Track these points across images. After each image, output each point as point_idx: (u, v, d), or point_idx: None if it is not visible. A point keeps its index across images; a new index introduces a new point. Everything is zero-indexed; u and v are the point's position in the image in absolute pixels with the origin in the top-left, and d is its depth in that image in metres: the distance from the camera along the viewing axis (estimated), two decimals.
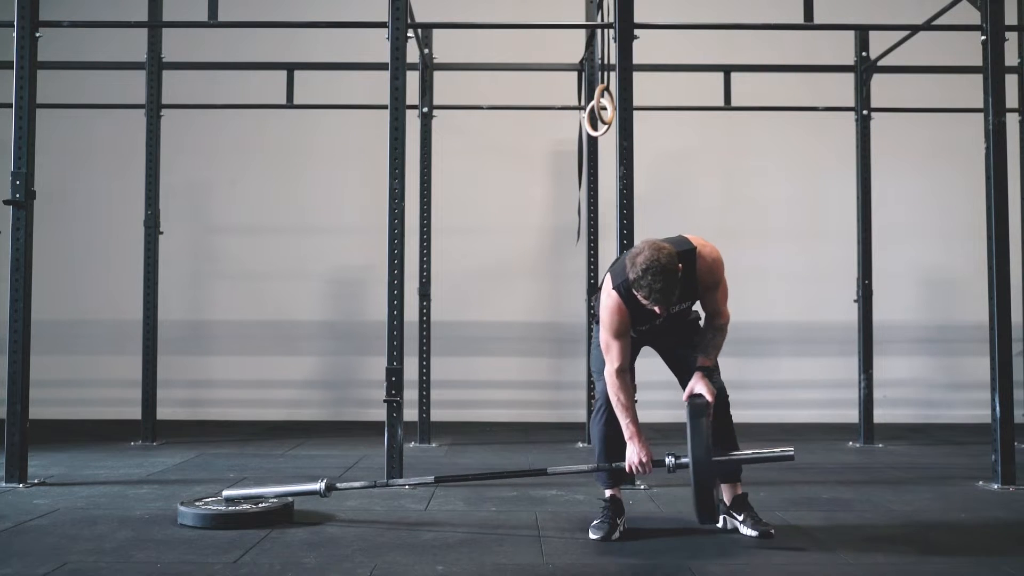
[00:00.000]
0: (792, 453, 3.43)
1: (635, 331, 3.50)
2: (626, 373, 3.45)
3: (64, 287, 7.76)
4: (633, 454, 3.40)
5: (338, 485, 3.80)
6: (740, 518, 3.52)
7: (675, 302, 3.36)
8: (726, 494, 3.57)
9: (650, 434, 6.28)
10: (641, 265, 3.22)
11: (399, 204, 4.51)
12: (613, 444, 3.52)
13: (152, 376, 6.13)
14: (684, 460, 3.32)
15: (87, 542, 3.31)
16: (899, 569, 3.04)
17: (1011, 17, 5.46)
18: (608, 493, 3.58)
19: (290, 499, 3.76)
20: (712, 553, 3.22)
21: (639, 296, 3.27)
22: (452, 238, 7.55)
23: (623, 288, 3.36)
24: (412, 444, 5.96)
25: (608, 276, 3.49)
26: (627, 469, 3.44)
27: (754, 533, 3.45)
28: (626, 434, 3.42)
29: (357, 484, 3.89)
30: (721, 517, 3.56)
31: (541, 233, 7.95)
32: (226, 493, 3.74)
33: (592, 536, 3.43)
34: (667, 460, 3.40)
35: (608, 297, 3.42)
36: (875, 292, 6.32)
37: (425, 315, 6.19)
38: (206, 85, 7.56)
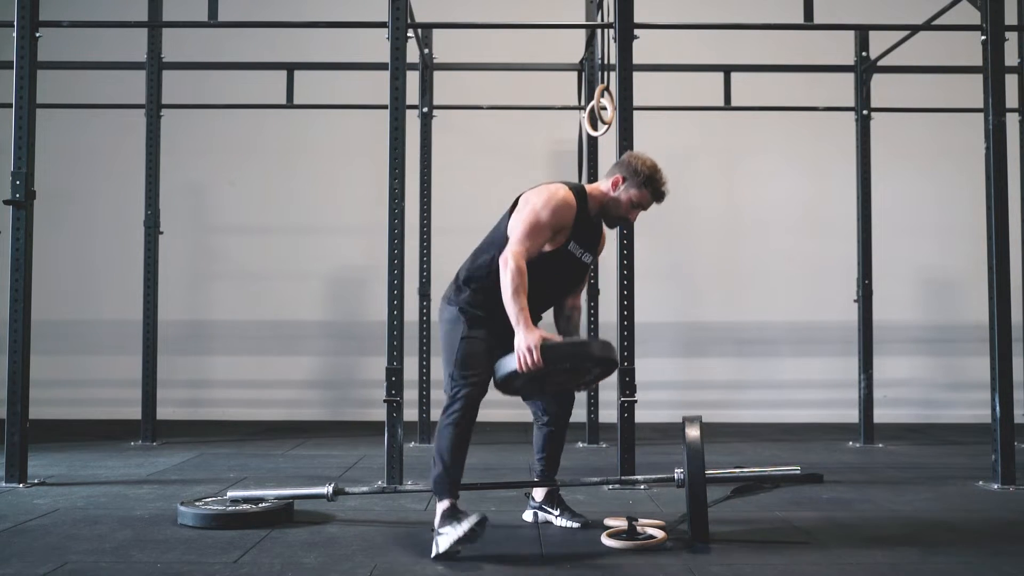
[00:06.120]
0: (799, 471, 3.53)
1: (579, 247, 3.35)
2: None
3: (64, 287, 7.76)
4: (521, 341, 3.06)
5: (347, 489, 3.80)
6: (556, 512, 3.60)
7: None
8: (538, 492, 3.64)
9: (650, 434, 6.33)
10: (649, 163, 3.31)
11: (399, 204, 4.51)
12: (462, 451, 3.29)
13: (152, 376, 6.13)
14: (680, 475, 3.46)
15: (87, 542, 3.31)
16: (899, 569, 3.04)
17: (1011, 17, 5.45)
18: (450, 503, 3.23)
19: (290, 499, 3.75)
20: (712, 553, 3.22)
21: (645, 192, 3.31)
22: (452, 238, 7.51)
23: (580, 193, 3.36)
24: (412, 444, 5.96)
25: (540, 187, 3.39)
26: (518, 363, 3.07)
27: (575, 524, 3.54)
28: (520, 318, 3.09)
29: (365, 488, 3.95)
30: (532, 512, 3.66)
31: None
32: (231, 494, 3.74)
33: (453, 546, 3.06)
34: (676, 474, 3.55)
35: (559, 189, 3.32)
36: (875, 292, 6.32)
37: (425, 315, 6.20)
38: (206, 85, 7.56)
